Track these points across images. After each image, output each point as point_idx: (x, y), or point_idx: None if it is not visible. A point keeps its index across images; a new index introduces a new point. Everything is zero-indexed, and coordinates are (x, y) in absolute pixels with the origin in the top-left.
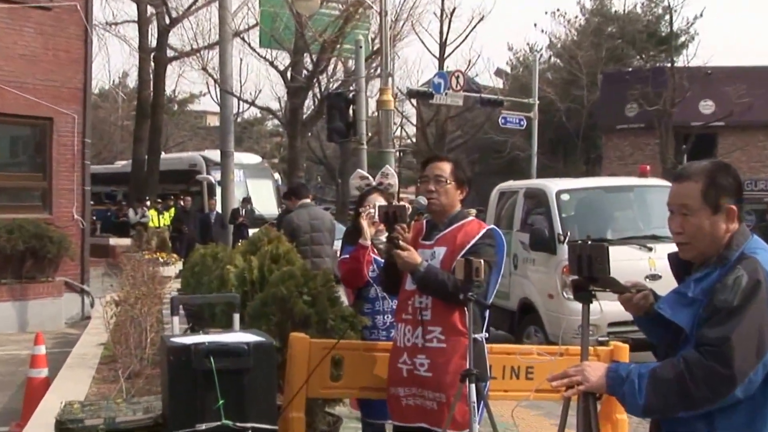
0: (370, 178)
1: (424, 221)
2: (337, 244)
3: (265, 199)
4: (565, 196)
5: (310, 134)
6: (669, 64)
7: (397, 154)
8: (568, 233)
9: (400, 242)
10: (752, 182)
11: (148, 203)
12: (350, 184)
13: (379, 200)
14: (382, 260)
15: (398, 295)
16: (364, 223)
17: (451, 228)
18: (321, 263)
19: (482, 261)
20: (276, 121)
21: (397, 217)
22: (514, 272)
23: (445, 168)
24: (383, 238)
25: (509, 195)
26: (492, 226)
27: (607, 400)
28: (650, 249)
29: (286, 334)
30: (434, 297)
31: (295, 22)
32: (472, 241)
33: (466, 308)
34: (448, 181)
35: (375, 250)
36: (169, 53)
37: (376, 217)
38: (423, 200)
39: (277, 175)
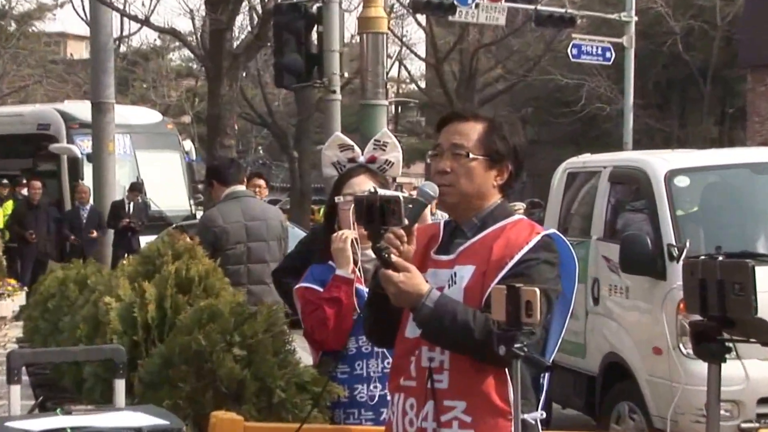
0: (356, 148)
1: (441, 223)
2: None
3: (168, 186)
4: (681, 181)
5: (244, 75)
6: None
7: (393, 108)
8: (687, 244)
9: (392, 257)
10: None
11: None
12: (322, 159)
13: (370, 186)
14: (366, 289)
15: (393, 349)
16: (348, 234)
17: (483, 234)
18: (264, 293)
19: (536, 290)
20: (187, 53)
21: (386, 214)
22: (593, 310)
23: (471, 133)
24: (369, 252)
25: (584, 178)
26: (552, 230)
27: None
28: None
29: (204, 413)
30: (453, 351)
31: None
32: (519, 256)
33: (508, 371)
34: (475, 155)
35: (357, 272)
36: None
37: (351, 215)
38: (432, 188)
39: (188, 145)
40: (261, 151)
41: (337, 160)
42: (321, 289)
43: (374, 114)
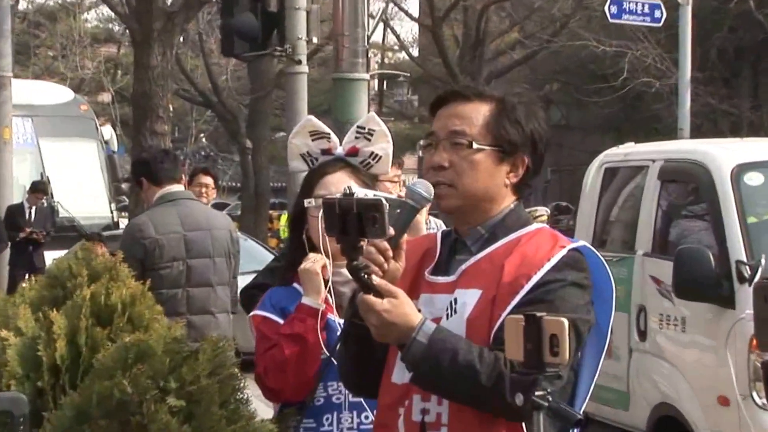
0: (332, 137)
1: (438, 234)
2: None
3: (81, 185)
4: (753, 178)
5: (182, 40)
6: None
7: (376, 84)
8: (762, 261)
9: (374, 279)
10: None
11: None
12: (289, 150)
13: (352, 186)
14: (339, 320)
15: (377, 398)
16: (319, 259)
17: (492, 248)
18: (208, 325)
19: (564, 320)
20: (107, 11)
21: (366, 222)
22: (638, 347)
23: (474, 116)
24: (344, 271)
25: (626, 176)
26: (581, 243)
27: None
28: None
29: None
30: (453, 400)
31: None
32: (538, 276)
33: (526, 426)
34: (480, 145)
35: (329, 300)
36: None
37: (320, 223)
38: (426, 188)
39: (108, 132)
40: (204, 140)
41: (308, 152)
42: (281, 321)
43: (351, 91)
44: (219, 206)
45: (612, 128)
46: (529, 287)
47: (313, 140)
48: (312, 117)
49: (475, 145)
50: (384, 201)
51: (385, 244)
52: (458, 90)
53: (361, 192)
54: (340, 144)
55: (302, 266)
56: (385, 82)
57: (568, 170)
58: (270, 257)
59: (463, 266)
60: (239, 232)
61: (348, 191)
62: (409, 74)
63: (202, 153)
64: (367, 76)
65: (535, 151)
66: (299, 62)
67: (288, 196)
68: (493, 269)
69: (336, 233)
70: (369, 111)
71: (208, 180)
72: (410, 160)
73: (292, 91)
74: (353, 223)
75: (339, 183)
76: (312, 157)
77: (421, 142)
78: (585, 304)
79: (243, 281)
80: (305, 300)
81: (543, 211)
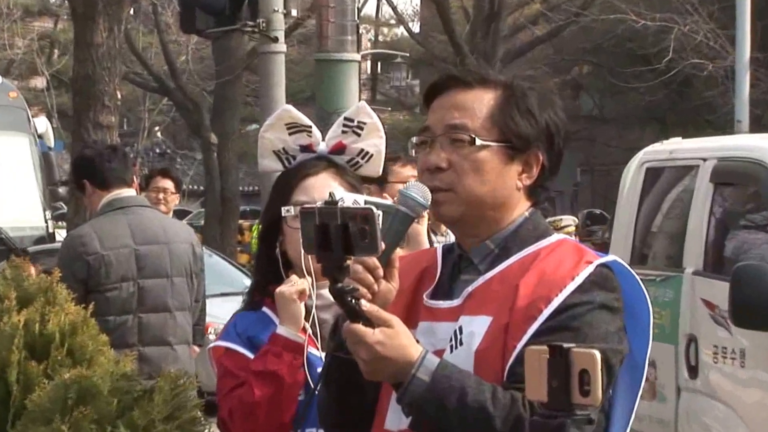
0: (314, 130)
1: (438, 250)
2: (217, 308)
3: (10, 189)
4: None
5: (132, 13)
6: None
7: (369, 66)
8: None
9: (363, 304)
10: None
11: None
12: (260, 146)
13: (337, 190)
14: (321, 354)
15: None
16: (301, 284)
17: (503, 266)
18: (164, 357)
19: (595, 353)
20: None
21: (352, 236)
22: (688, 385)
23: (477, 106)
24: (325, 293)
25: (672, 177)
26: (609, 257)
27: None
28: None
29: None
30: None
31: None
32: (561, 298)
33: None
34: (485, 140)
35: (310, 330)
36: None
37: (301, 241)
38: (422, 192)
39: (43, 124)
40: (159, 135)
41: (284, 148)
42: (250, 355)
43: (339, 75)
44: (179, 214)
45: (655, 120)
46: (549, 312)
47: (290, 134)
48: (289, 107)
49: (478, 141)
50: (375, 210)
51: (375, 261)
52: (456, 75)
53: (348, 198)
54: (323, 139)
55: (278, 290)
56: (379, 65)
57: (602, 171)
58: (241, 277)
59: (470, 288)
60: (203, 247)
61: (332, 198)
62: (408, 54)
63: (157, 150)
64: (357, 56)
65: (551, 146)
66: (275, 40)
67: (262, 202)
68: (506, 291)
69: (316, 249)
70: (360, 99)
71: (168, 183)
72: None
73: (266, 74)
74: (337, 237)
75: (322, 187)
76: (288, 154)
77: (414, 140)
78: (616, 331)
79: (209, 306)
80: (281, 330)
81: (570, 220)
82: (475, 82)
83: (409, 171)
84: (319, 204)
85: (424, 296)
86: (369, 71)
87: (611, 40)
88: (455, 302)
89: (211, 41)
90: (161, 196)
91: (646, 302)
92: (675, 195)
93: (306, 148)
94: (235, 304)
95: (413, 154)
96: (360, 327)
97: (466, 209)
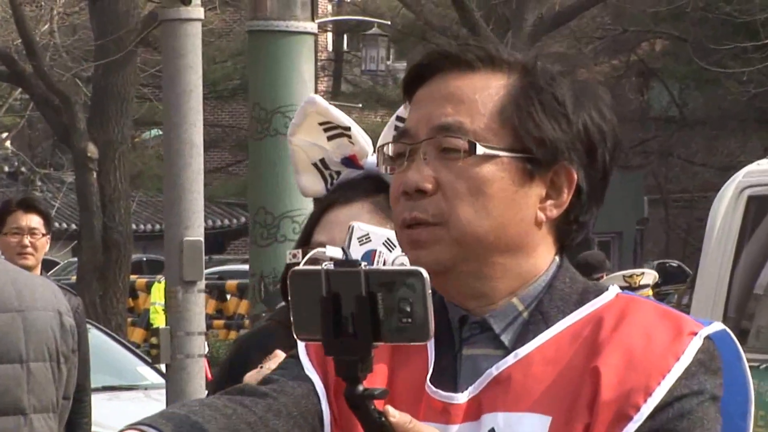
0: (354, 130)
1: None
2: (97, 410)
3: None
4: None
5: None
6: None
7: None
8: None
9: (392, 415)
10: None
11: None
12: (293, 157)
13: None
14: None
15: None
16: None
17: (548, 336)
18: None
19: None
20: None
21: (386, 316)
22: None
23: (479, 96)
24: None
25: None
26: (719, 326)
27: None
28: None
29: None
30: None
31: None
32: (665, 388)
33: None
34: (492, 148)
35: None
36: None
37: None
38: (387, 246)
39: None
40: (8, 145)
41: (323, 160)
42: None
43: (283, 55)
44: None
45: (764, 123)
46: (651, 409)
47: (329, 139)
48: (316, 97)
49: (480, 149)
50: (426, 274)
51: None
52: (451, 52)
53: (376, 237)
54: (364, 140)
55: (247, 376)
56: (345, 39)
57: (682, 201)
58: (133, 364)
59: (494, 371)
60: (80, 315)
61: (340, 252)
62: (389, 24)
63: (6, 168)
64: (312, 26)
65: (593, 160)
66: (188, 1)
67: (167, 245)
68: (568, 376)
69: (324, 334)
70: (315, 91)
71: (34, 221)
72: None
73: (172, 53)
74: (361, 314)
75: (348, 224)
76: (331, 169)
77: (386, 150)
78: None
79: (94, 401)
80: None
81: (650, 276)
82: (478, 63)
83: None
84: (326, 264)
85: (428, 381)
86: (330, 48)
87: (699, 1)
88: (472, 393)
89: (88, 1)
90: (26, 240)
91: (747, 390)
92: None
93: (349, 162)
94: (126, 403)
95: (384, 171)
96: None
97: (459, 253)
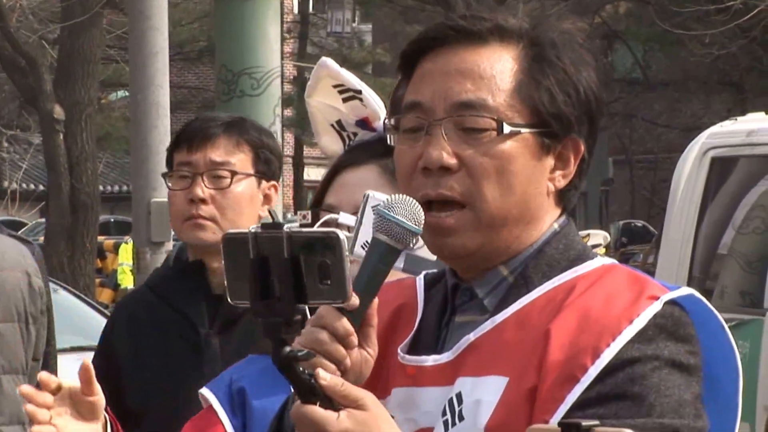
0: (366, 93)
1: (418, 281)
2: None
3: None
4: None
5: None
6: None
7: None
8: None
9: (322, 377)
10: None
11: None
12: (312, 118)
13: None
14: None
15: None
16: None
17: (524, 302)
18: None
19: None
20: None
21: (307, 276)
22: None
23: (497, 72)
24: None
25: (749, 171)
26: (683, 289)
27: None
28: None
29: None
30: None
31: None
32: (614, 350)
33: None
34: (512, 125)
35: None
36: None
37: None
38: (409, 211)
39: None
40: None
41: (339, 121)
42: (228, 423)
43: (249, 17)
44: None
45: (726, 85)
46: (598, 370)
47: (344, 101)
48: (328, 60)
49: (506, 128)
50: (341, 235)
51: (346, 326)
52: (463, 25)
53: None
54: (375, 103)
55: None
56: (311, 1)
57: (646, 162)
58: (101, 321)
59: (471, 336)
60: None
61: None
62: None
63: None
64: None
65: (592, 129)
66: None
67: (135, 206)
68: (530, 340)
69: (251, 297)
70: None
71: None
72: None
73: (139, 14)
74: (284, 277)
75: (357, 188)
76: (346, 131)
77: (391, 121)
78: (693, 400)
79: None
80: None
81: (599, 237)
82: (488, 35)
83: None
84: (253, 228)
85: (399, 350)
86: (296, 11)
87: None
88: (446, 356)
89: None
90: None
91: (732, 359)
92: (755, 198)
93: (363, 124)
94: None
95: (392, 144)
96: (317, 410)
97: (486, 237)
